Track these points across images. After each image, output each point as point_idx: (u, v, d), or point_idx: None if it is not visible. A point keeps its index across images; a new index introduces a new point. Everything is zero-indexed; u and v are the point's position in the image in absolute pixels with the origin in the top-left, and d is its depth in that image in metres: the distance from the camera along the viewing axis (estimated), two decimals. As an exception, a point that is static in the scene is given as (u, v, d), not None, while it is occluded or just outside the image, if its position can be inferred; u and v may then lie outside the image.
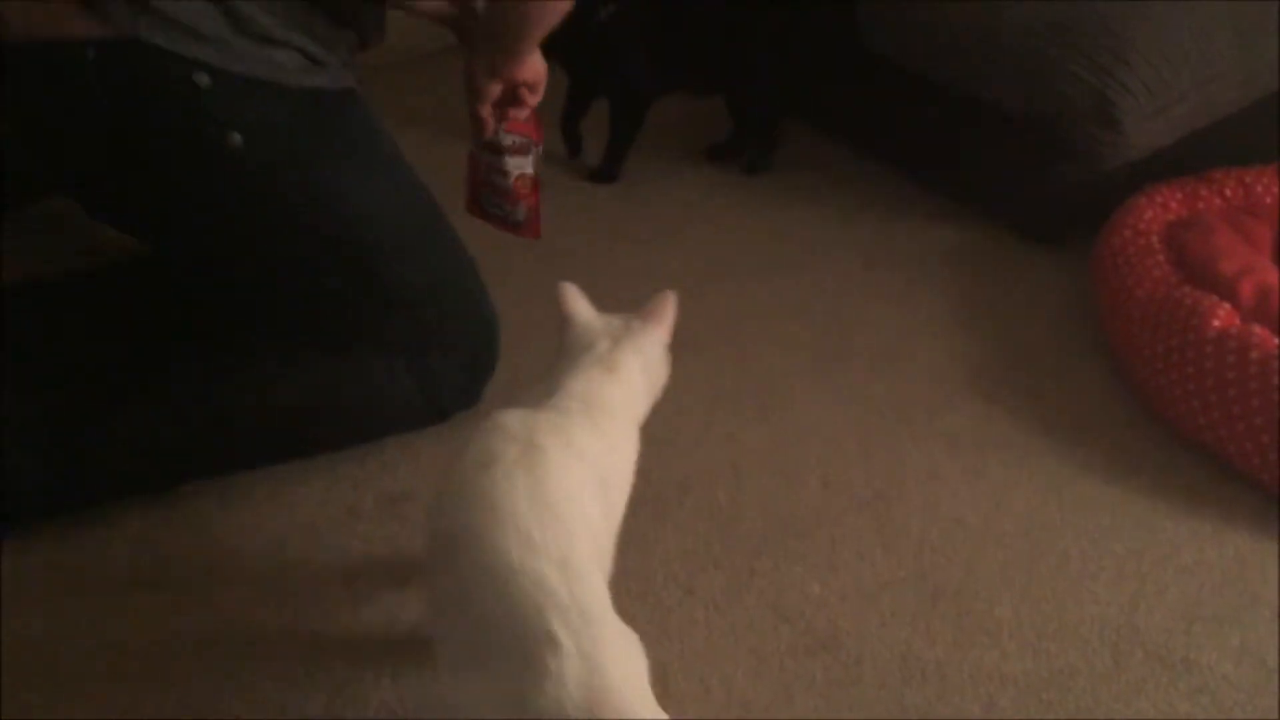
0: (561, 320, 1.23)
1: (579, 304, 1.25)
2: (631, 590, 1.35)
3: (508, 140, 1.53)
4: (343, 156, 1.42)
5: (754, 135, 2.36)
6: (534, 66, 1.46)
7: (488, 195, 1.59)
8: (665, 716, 0.93)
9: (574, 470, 1.07)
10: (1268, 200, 1.96)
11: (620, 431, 1.17)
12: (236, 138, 1.31)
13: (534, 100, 1.51)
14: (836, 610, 1.36)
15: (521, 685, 0.90)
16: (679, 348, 1.26)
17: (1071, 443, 1.64)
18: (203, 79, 1.28)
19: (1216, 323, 1.57)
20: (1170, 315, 1.63)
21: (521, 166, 1.55)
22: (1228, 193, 1.96)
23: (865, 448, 1.62)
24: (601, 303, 1.26)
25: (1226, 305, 1.60)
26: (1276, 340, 1.51)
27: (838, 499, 1.53)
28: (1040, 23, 1.94)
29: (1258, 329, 1.54)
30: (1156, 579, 1.41)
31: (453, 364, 1.55)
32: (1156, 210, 1.89)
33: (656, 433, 1.24)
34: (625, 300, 1.26)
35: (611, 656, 0.92)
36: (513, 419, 1.10)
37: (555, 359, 1.21)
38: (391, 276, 1.47)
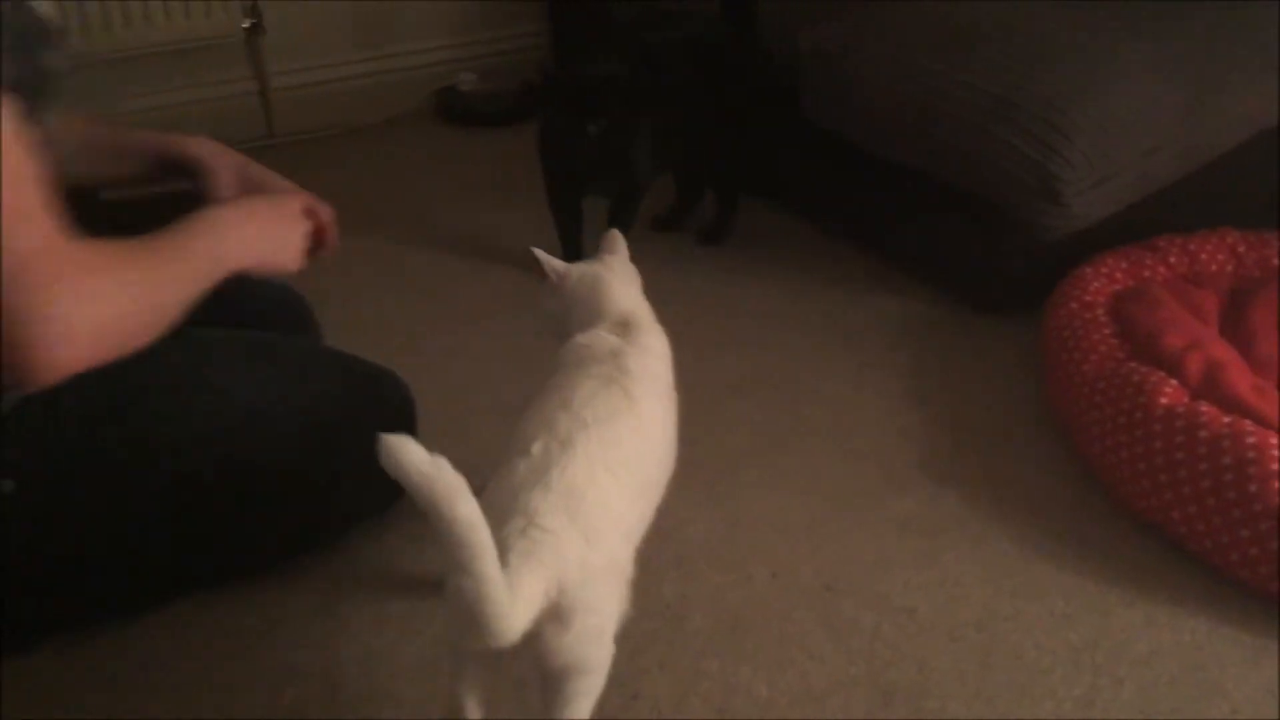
0: (551, 278, 1.36)
1: (554, 261, 1.36)
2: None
3: None
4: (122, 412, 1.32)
5: (720, 206, 2.37)
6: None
7: None
8: None
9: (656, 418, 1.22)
10: (1213, 268, 1.96)
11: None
12: (8, 484, 1.23)
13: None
14: (785, 714, 1.32)
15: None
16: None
17: (1024, 524, 1.61)
18: None
19: (1164, 400, 1.55)
20: (1118, 391, 1.61)
21: None
22: (1172, 260, 1.95)
23: (814, 536, 1.59)
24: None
25: (1174, 382, 1.58)
26: (1225, 418, 1.50)
27: (787, 592, 1.49)
28: (981, 98, 1.93)
29: (1205, 407, 1.52)
30: (1112, 672, 1.37)
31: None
32: (1102, 281, 1.88)
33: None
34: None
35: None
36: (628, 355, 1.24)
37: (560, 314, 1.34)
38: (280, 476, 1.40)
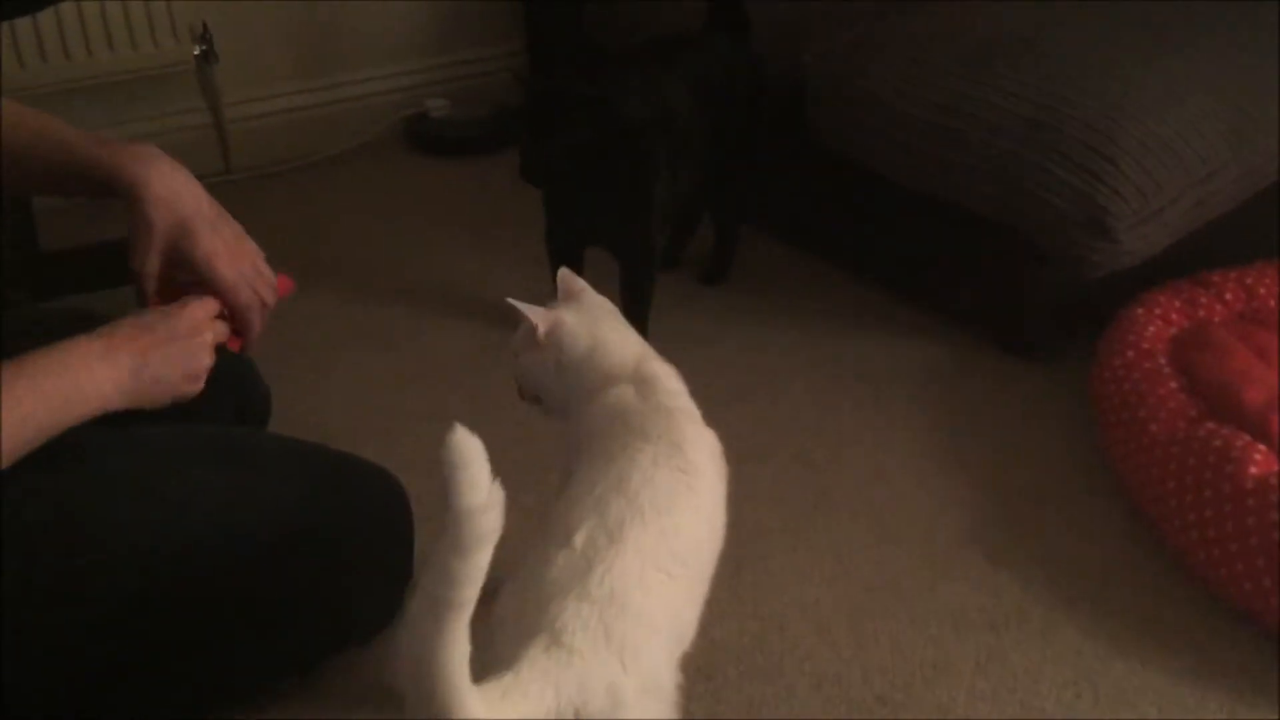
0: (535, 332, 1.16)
1: (537, 311, 1.17)
2: None
3: None
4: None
5: (721, 240, 2.16)
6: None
7: None
8: None
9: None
10: (1271, 303, 1.77)
11: None
12: None
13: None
14: None
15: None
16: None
17: (1096, 612, 1.41)
18: None
19: (1254, 469, 1.36)
20: (1197, 459, 1.42)
21: None
22: (1229, 297, 1.77)
23: (858, 634, 1.38)
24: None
25: (1261, 447, 1.39)
26: (1327, 489, 1.31)
27: (834, 706, 1.29)
28: (1012, 121, 1.74)
29: (1304, 477, 1.33)
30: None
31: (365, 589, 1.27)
32: (1157, 324, 1.69)
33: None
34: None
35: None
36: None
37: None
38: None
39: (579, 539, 0.93)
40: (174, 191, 1.16)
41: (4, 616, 1.06)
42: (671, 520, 0.97)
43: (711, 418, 1.64)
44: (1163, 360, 1.60)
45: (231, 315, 1.20)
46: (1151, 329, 1.67)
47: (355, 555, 1.25)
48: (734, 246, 2.17)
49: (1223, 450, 1.39)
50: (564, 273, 1.25)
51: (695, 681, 1.30)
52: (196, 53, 2.57)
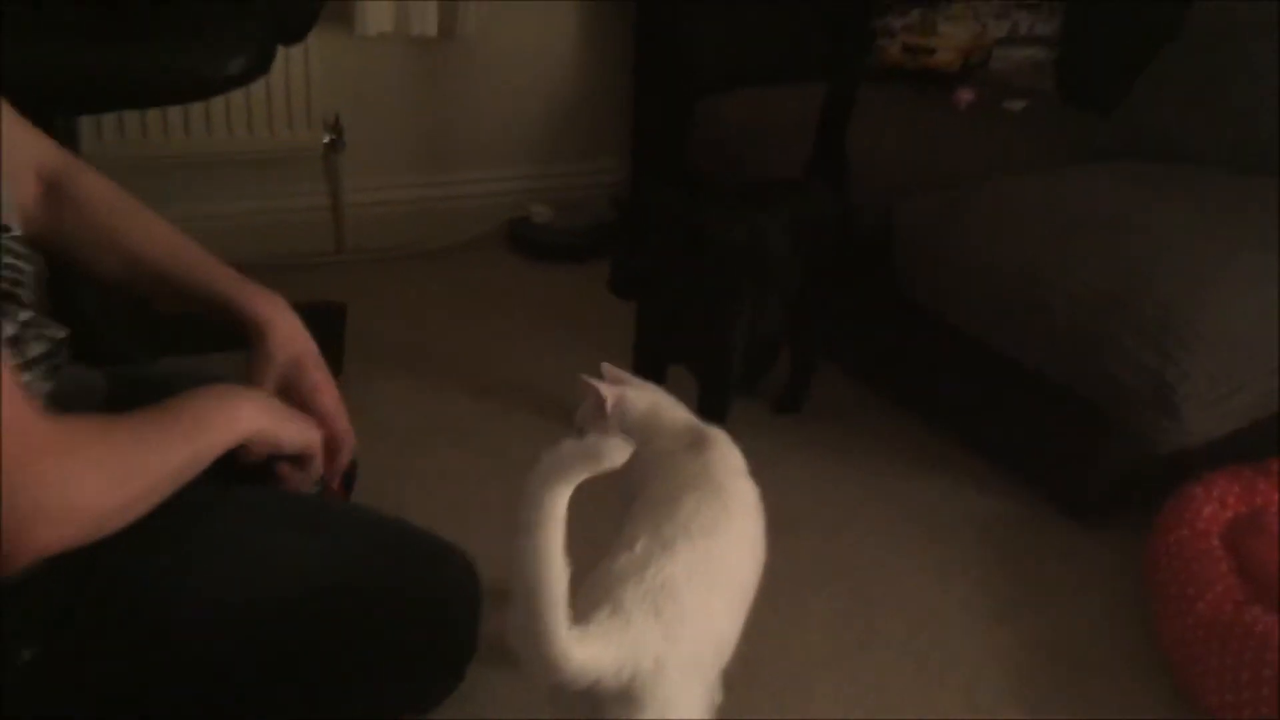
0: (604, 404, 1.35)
1: (604, 386, 1.35)
2: None
3: None
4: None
5: (797, 373, 2.26)
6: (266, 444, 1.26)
7: None
8: None
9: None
10: (1330, 497, 1.81)
11: None
12: (27, 653, 1.13)
13: (298, 476, 1.33)
14: None
15: None
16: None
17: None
18: None
19: (1294, 658, 1.40)
20: (1240, 641, 1.46)
21: None
22: (1288, 487, 1.81)
23: (895, 772, 1.43)
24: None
25: (1305, 637, 1.43)
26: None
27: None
28: (1094, 295, 1.82)
29: (1342, 670, 1.37)
30: None
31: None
32: (1214, 506, 1.74)
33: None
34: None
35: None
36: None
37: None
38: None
39: (639, 546, 1.12)
40: (292, 333, 1.33)
41: (104, 656, 1.16)
42: (714, 542, 1.16)
43: (771, 540, 1.73)
44: (1216, 541, 1.65)
45: (325, 441, 1.33)
46: (1208, 510, 1.71)
47: (426, 625, 1.33)
48: (810, 380, 2.25)
49: (1262, 636, 1.43)
50: (608, 366, 1.41)
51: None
52: (326, 140, 2.75)
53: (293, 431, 1.25)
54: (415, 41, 2.76)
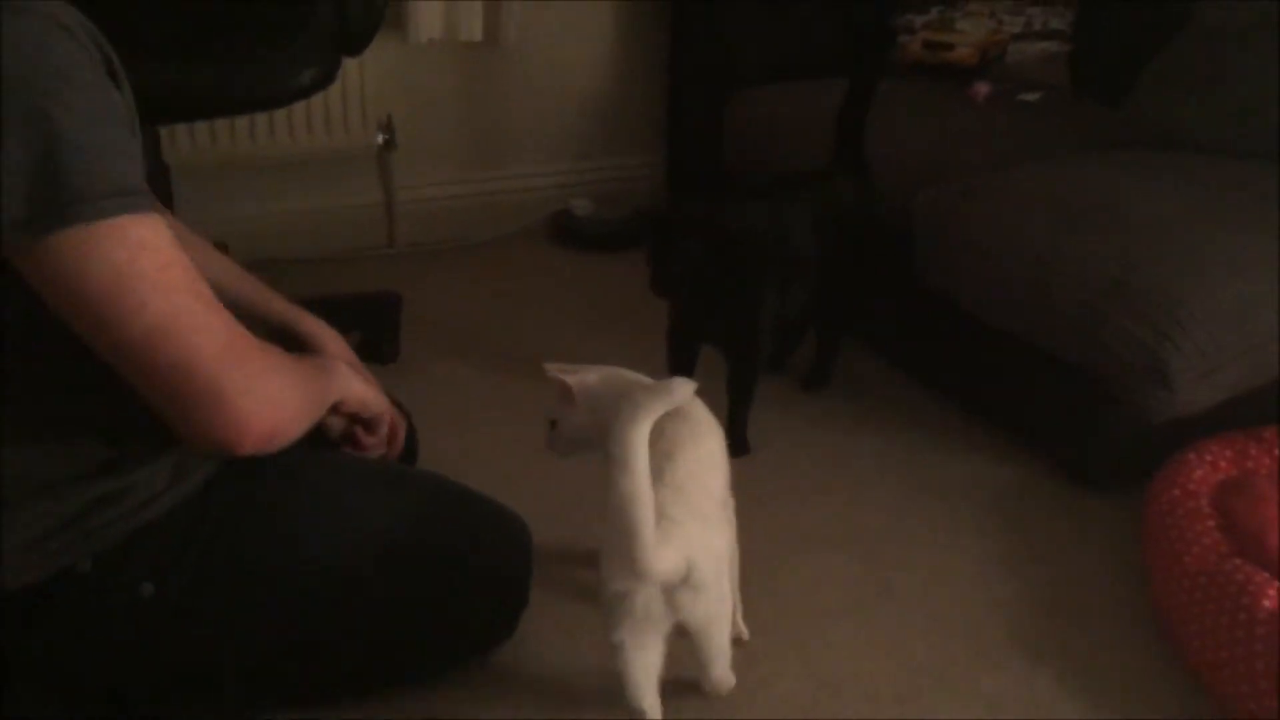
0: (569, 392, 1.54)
1: (567, 372, 1.55)
2: None
3: None
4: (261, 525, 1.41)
5: (823, 352, 2.42)
6: (357, 401, 1.49)
7: None
8: None
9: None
10: (1318, 462, 1.94)
11: None
12: (148, 587, 1.30)
13: (371, 440, 1.56)
14: None
15: None
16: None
17: (1121, 715, 1.59)
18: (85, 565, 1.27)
19: (1267, 603, 1.54)
20: (1220, 590, 1.60)
21: None
22: (1277, 452, 1.94)
23: (904, 707, 1.59)
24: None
25: (1277, 584, 1.57)
26: (1332, 627, 1.48)
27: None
28: (1096, 279, 1.96)
29: (1311, 615, 1.51)
30: None
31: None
32: (1206, 469, 1.87)
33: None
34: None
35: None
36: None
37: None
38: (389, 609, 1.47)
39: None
40: (339, 345, 1.59)
41: (216, 591, 1.35)
42: (694, 452, 1.43)
43: (796, 505, 1.89)
44: (1204, 501, 1.78)
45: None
46: (1199, 473, 1.85)
47: (487, 578, 1.53)
48: (834, 359, 2.42)
49: (1242, 584, 1.57)
50: (552, 365, 1.58)
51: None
52: (379, 141, 2.94)
53: (375, 395, 1.47)
54: (462, 47, 2.93)
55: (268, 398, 1.18)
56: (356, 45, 2.04)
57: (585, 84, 3.21)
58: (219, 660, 1.39)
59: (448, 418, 2.21)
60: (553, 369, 1.55)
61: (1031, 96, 2.72)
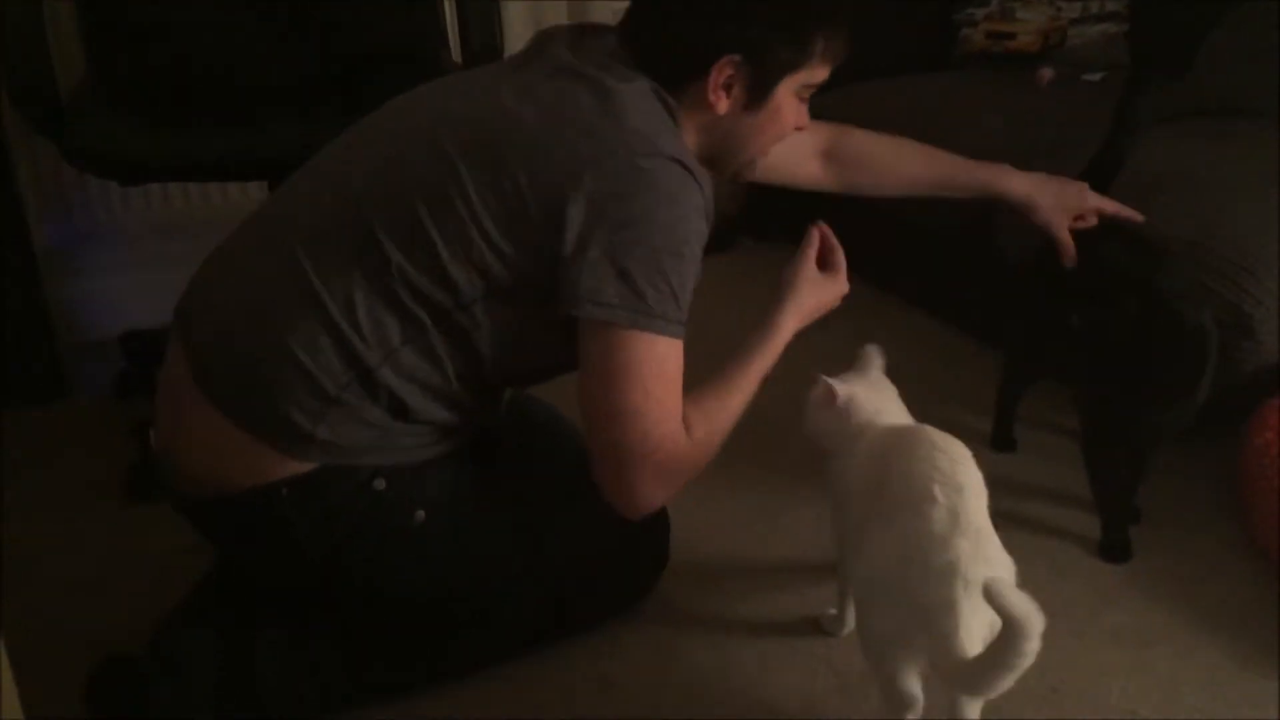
0: (836, 402, 1.61)
1: (838, 384, 1.62)
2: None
3: None
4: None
5: None
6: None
7: None
8: None
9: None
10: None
11: None
12: (420, 514, 1.55)
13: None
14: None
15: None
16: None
17: (1231, 637, 1.76)
18: (379, 483, 1.52)
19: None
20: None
21: None
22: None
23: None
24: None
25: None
26: None
27: (1018, 694, 1.66)
28: (1174, 242, 2.11)
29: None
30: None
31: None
32: (1297, 410, 2.02)
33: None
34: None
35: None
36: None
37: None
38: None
39: (937, 492, 1.35)
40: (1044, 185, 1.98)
41: (476, 523, 1.62)
42: (977, 481, 1.41)
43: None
44: (1297, 440, 1.94)
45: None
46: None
47: (638, 542, 1.77)
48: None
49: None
50: (867, 350, 1.70)
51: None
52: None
53: (826, 302, 1.68)
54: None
55: (665, 497, 1.53)
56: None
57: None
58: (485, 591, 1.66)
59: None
60: (828, 378, 1.62)
61: (1095, 76, 2.86)
